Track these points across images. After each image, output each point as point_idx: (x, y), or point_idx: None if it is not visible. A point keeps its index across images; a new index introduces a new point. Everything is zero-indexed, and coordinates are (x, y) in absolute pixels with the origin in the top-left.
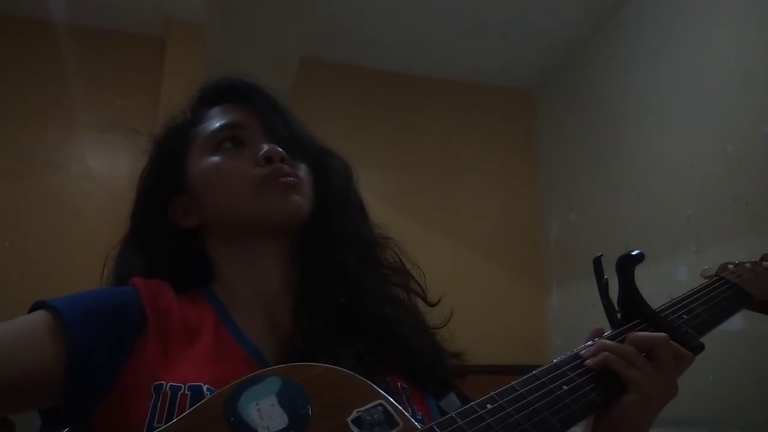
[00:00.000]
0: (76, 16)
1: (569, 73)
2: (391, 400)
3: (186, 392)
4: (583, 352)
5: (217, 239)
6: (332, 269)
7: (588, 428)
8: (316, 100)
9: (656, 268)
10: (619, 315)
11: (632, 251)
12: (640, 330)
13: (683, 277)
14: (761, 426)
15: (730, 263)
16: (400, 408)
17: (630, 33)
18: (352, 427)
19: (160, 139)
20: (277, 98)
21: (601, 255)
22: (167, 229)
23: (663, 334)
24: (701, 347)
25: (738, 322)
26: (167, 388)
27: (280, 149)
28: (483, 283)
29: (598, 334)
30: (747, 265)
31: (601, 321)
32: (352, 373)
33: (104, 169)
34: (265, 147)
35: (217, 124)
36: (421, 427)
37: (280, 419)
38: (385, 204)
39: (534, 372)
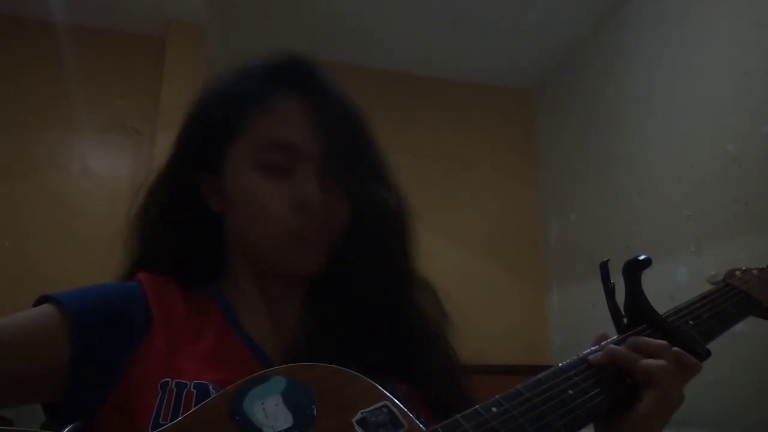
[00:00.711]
0: (76, 16)
1: (569, 73)
2: (396, 401)
3: (192, 390)
4: (590, 357)
5: (233, 237)
6: (356, 302)
7: None
8: None
9: (656, 268)
10: (625, 320)
11: (639, 256)
12: (647, 336)
13: (683, 277)
14: (761, 426)
15: (737, 269)
16: (405, 409)
17: (630, 33)
18: (357, 428)
19: (211, 101)
20: (352, 111)
21: (608, 260)
22: (192, 198)
23: (664, 342)
24: (708, 353)
25: (738, 322)
26: (173, 385)
27: (320, 196)
28: (483, 283)
29: (604, 338)
30: (754, 271)
31: (601, 321)
32: (357, 373)
33: (104, 169)
34: (308, 189)
35: (275, 136)
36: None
37: (285, 419)
38: None
39: (539, 376)
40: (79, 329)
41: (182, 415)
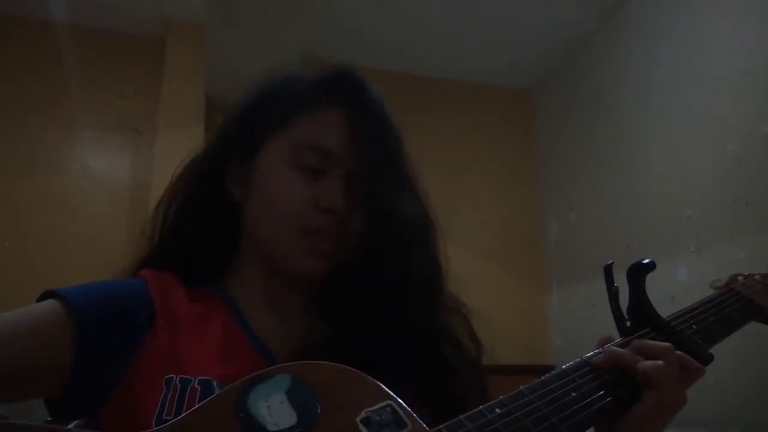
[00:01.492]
0: (76, 16)
1: (569, 73)
2: (400, 401)
3: (196, 386)
4: (593, 359)
5: (247, 229)
6: (375, 310)
7: None
8: None
9: (656, 267)
10: (628, 323)
11: (643, 260)
12: (649, 339)
13: (683, 277)
14: (761, 426)
15: (740, 274)
16: (409, 409)
17: (630, 33)
18: (361, 427)
19: (262, 93)
20: (392, 130)
21: (612, 263)
22: (218, 185)
23: (668, 343)
24: (711, 358)
25: (741, 328)
26: (177, 381)
27: (344, 204)
28: (483, 283)
29: (607, 341)
30: (757, 277)
31: (601, 321)
32: (361, 373)
33: (104, 169)
34: (334, 195)
35: (313, 140)
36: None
37: (289, 417)
38: None
39: (542, 378)
40: (83, 325)
41: (186, 410)
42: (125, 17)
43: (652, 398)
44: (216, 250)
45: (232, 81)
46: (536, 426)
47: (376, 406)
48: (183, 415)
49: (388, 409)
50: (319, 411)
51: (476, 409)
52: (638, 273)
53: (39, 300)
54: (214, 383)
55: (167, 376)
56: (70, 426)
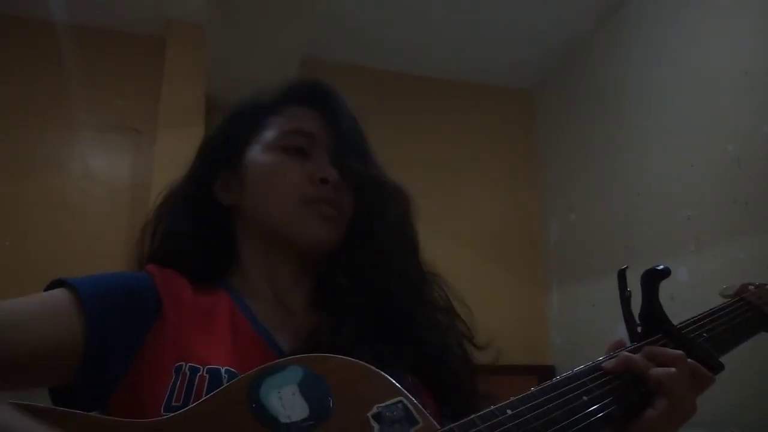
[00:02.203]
0: (76, 16)
1: (569, 73)
2: (412, 398)
3: (204, 374)
4: (604, 363)
5: (245, 227)
6: (371, 289)
7: None
8: None
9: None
10: (639, 328)
11: (658, 266)
12: (661, 345)
13: (683, 277)
14: (761, 426)
15: (751, 284)
16: (420, 407)
17: (630, 33)
18: (372, 422)
19: (234, 113)
20: (355, 120)
21: (626, 267)
22: (207, 196)
23: (680, 351)
24: (721, 367)
25: (750, 338)
26: (186, 368)
27: (337, 174)
28: (483, 283)
29: (619, 346)
30: (767, 287)
31: (601, 321)
32: (373, 368)
33: (104, 169)
34: (325, 169)
35: (292, 126)
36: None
37: (302, 409)
38: None
39: (553, 380)
40: (93, 313)
41: (194, 398)
42: (125, 17)
43: (663, 405)
44: (215, 256)
45: (232, 81)
46: (546, 429)
47: (387, 402)
48: (195, 403)
49: (400, 405)
50: (331, 404)
51: (488, 410)
52: (652, 279)
53: (47, 289)
54: (223, 371)
55: (176, 364)
56: (92, 414)
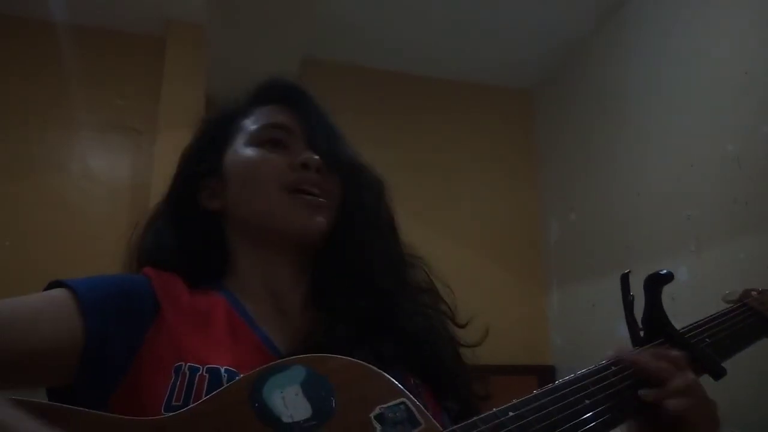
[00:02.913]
0: (76, 16)
1: (569, 73)
2: (414, 399)
3: (204, 374)
4: (607, 365)
5: (235, 228)
6: (359, 281)
7: None
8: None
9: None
10: (642, 333)
11: (661, 270)
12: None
13: (683, 277)
14: (761, 426)
15: (754, 290)
16: (423, 408)
17: (630, 33)
18: (375, 423)
19: (208, 121)
20: (324, 110)
21: (629, 271)
22: (193, 207)
23: (681, 352)
24: (724, 372)
25: (753, 344)
26: (186, 368)
27: (317, 158)
28: (483, 283)
29: (622, 350)
30: None
31: (601, 321)
32: (376, 369)
33: (104, 169)
34: (305, 154)
35: (265, 122)
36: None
37: (304, 409)
38: None
39: (557, 382)
40: (91, 313)
41: (194, 398)
42: (125, 17)
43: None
44: (208, 262)
45: (232, 81)
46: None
47: (390, 403)
48: (197, 402)
49: (402, 406)
50: (333, 405)
51: (490, 411)
52: (655, 283)
53: (46, 290)
54: (222, 371)
55: (176, 364)
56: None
